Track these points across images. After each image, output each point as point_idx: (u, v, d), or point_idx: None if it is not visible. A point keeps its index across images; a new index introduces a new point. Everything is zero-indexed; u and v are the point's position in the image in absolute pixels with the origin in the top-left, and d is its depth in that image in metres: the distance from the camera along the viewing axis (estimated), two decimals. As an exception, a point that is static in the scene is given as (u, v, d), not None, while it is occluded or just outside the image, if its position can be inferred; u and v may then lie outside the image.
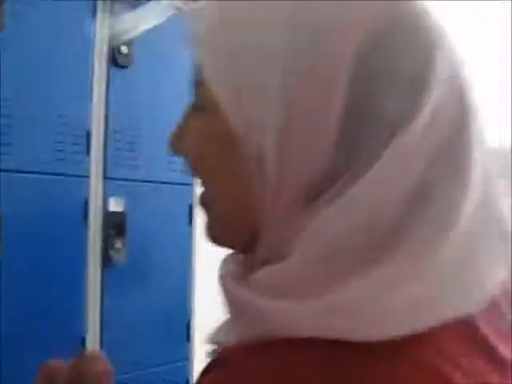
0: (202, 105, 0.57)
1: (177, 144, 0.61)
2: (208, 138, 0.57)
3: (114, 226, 2.24)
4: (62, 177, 2.10)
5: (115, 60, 2.25)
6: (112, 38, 2.23)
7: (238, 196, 0.56)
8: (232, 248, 0.61)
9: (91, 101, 2.20)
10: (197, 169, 0.59)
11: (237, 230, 0.58)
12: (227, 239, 0.60)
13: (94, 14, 2.18)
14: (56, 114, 2.09)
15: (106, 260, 2.21)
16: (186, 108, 0.61)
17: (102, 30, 2.22)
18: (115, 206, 2.25)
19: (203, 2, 0.58)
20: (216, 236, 0.60)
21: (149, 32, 2.32)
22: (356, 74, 0.50)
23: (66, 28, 2.11)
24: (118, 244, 2.23)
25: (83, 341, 2.14)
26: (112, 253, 2.22)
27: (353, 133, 0.50)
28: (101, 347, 2.15)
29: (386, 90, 0.50)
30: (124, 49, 2.26)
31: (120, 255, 2.24)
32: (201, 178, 0.59)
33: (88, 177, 2.19)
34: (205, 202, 0.60)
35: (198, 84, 0.57)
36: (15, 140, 1.97)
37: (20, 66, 1.99)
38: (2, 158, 1.93)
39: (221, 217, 0.59)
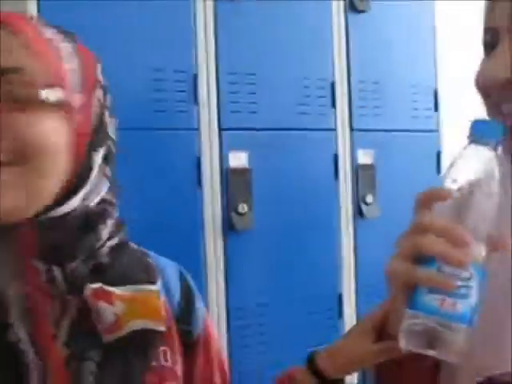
0: None
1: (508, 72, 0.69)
2: None
3: (364, 178, 2.17)
4: (308, 131, 2.08)
5: (353, 5, 2.15)
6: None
7: None
8: None
9: (332, 51, 2.13)
10: None
11: None
12: None
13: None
14: (298, 69, 2.06)
15: (359, 214, 2.15)
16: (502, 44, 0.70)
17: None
18: (364, 158, 2.18)
19: None
20: None
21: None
22: None
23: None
24: (370, 198, 2.16)
25: (340, 297, 2.11)
26: (364, 207, 2.15)
27: None
28: (356, 304, 2.11)
29: None
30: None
31: (372, 209, 2.16)
32: None
33: (335, 130, 2.14)
34: None
35: None
36: (260, 98, 1.98)
37: (260, 23, 1.99)
38: (247, 116, 1.95)
39: None
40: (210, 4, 1.89)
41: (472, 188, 0.63)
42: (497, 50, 0.74)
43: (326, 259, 2.10)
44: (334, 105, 2.12)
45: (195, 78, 1.86)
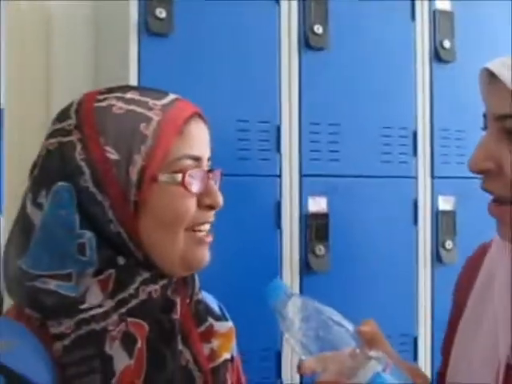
0: None
1: (485, 163, 0.84)
2: None
3: (445, 225, 2.21)
4: (389, 178, 2.15)
5: (438, 55, 2.21)
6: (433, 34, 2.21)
7: None
8: None
9: (416, 100, 2.20)
10: None
11: None
12: None
13: (413, 15, 2.19)
14: (382, 116, 2.14)
15: (437, 260, 2.20)
16: (489, 132, 0.83)
17: (423, 28, 2.20)
18: (445, 205, 2.22)
19: None
20: None
21: (476, 25, 2.25)
22: None
23: (387, 30, 2.15)
24: (449, 244, 2.20)
25: (415, 341, 2.16)
26: (443, 252, 2.20)
27: None
28: (432, 347, 2.15)
29: None
30: (446, 43, 2.21)
31: (451, 255, 2.20)
32: None
33: (416, 177, 2.20)
34: None
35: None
36: (341, 147, 2.08)
37: (344, 73, 2.09)
38: (328, 164, 2.06)
39: None
40: (294, 56, 2.02)
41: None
42: (482, 140, 0.85)
43: (402, 302, 2.16)
44: (415, 153, 2.18)
45: (278, 128, 1.99)
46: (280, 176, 2.01)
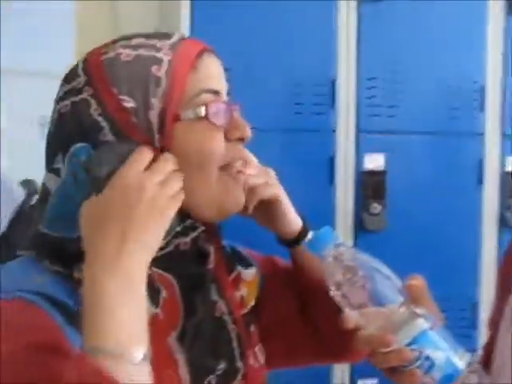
0: None
1: None
2: None
3: (513, 186, 2.10)
4: (451, 135, 2.06)
5: (513, 6, 2.07)
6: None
7: None
8: None
9: (485, 52, 2.08)
10: None
11: None
12: None
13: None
14: (445, 70, 2.04)
15: (502, 223, 2.09)
16: None
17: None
18: (514, 164, 2.11)
19: None
20: None
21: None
22: None
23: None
24: (517, 206, 2.09)
25: (475, 306, 2.08)
26: (509, 216, 2.09)
27: None
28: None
29: None
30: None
31: (518, 217, 2.09)
32: None
33: (482, 134, 2.09)
34: None
35: None
36: (400, 102, 2.00)
37: (403, 25, 2.00)
38: (386, 119, 1.99)
39: None
40: (352, 8, 1.95)
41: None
42: None
43: (463, 266, 2.07)
44: (482, 108, 2.07)
45: (333, 82, 1.94)
46: (335, 131, 1.96)
